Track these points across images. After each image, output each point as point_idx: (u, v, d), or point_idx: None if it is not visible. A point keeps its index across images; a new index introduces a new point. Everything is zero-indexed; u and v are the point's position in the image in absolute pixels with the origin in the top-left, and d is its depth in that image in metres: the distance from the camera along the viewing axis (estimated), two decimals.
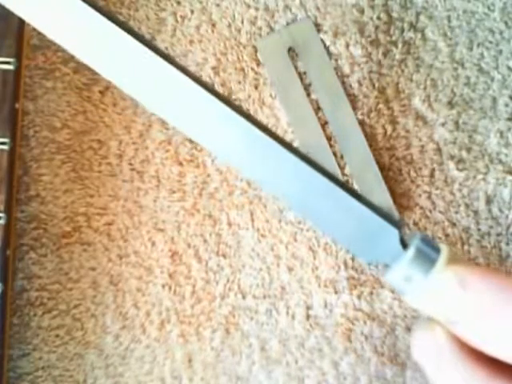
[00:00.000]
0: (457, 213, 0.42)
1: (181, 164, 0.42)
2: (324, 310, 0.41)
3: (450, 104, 0.43)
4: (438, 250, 0.29)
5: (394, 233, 0.30)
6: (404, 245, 0.30)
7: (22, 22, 0.39)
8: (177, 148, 0.42)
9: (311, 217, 0.31)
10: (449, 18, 0.43)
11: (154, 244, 0.42)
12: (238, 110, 0.30)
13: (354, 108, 0.42)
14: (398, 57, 0.43)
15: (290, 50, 0.43)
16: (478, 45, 0.43)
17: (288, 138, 0.42)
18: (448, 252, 0.29)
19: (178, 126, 0.30)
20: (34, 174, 0.42)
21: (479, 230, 0.42)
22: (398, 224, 0.30)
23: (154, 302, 0.42)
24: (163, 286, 0.42)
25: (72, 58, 0.42)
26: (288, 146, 0.30)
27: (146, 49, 0.29)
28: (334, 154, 0.42)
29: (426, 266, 0.29)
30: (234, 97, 0.43)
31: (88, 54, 0.29)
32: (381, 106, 0.43)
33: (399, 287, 0.30)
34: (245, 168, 0.31)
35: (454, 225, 0.42)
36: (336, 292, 0.41)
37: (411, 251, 0.29)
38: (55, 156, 0.42)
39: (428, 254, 0.29)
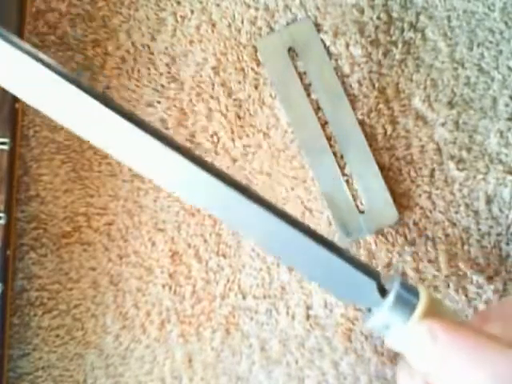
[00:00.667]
0: (457, 213, 0.42)
1: None
2: (324, 310, 0.41)
3: (450, 104, 0.43)
4: (416, 295, 0.30)
5: (371, 284, 0.31)
6: (383, 292, 0.31)
7: (21, 23, 0.40)
8: None
9: (294, 267, 0.32)
10: (449, 18, 0.43)
11: (154, 244, 0.42)
12: (208, 166, 0.31)
13: (354, 108, 0.42)
14: (398, 57, 0.43)
15: (290, 49, 0.43)
16: (478, 45, 0.43)
17: (288, 138, 0.42)
18: (425, 300, 0.30)
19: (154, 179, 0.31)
20: (34, 174, 0.42)
21: (479, 229, 0.42)
22: (375, 274, 0.31)
23: (154, 301, 0.42)
24: (163, 286, 0.42)
25: (72, 58, 0.43)
26: (266, 204, 0.31)
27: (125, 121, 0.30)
28: (334, 154, 0.42)
29: (403, 315, 0.30)
30: (234, 97, 0.43)
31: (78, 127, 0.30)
32: (381, 105, 0.43)
33: (379, 332, 0.31)
34: (229, 225, 0.32)
35: (454, 225, 0.42)
36: None
37: (389, 301, 0.30)
38: (55, 156, 0.42)
39: (406, 302, 0.30)
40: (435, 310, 0.30)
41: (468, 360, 0.28)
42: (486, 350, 0.28)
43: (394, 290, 0.30)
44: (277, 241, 0.31)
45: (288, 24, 0.43)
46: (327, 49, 0.43)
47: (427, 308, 0.30)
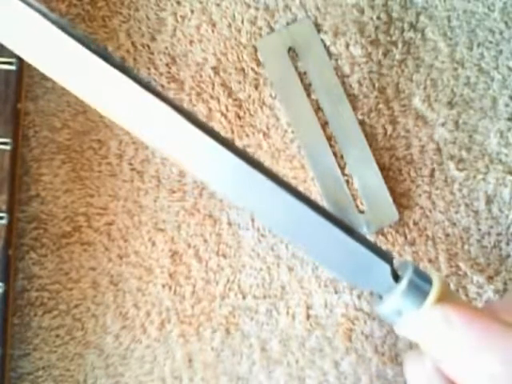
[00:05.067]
0: (457, 213, 0.42)
1: None
2: (324, 310, 0.41)
3: (450, 104, 0.43)
4: (429, 282, 0.30)
5: (385, 267, 0.31)
6: (396, 277, 0.31)
7: None
8: None
9: (304, 248, 0.32)
10: (449, 18, 0.43)
11: (154, 244, 0.42)
12: (229, 145, 0.30)
13: (354, 108, 0.42)
14: (398, 57, 0.43)
15: (290, 49, 0.43)
16: (478, 45, 0.43)
17: (288, 137, 0.42)
18: (439, 286, 0.30)
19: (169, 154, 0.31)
20: (34, 174, 0.42)
21: (479, 229, 0.42)
22: (388, 257, 0.31)
23: (154, 301, 0.42)
24: (163, 286, 0.42)
25: None
26: (280, 181, 0.30)
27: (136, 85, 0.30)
28: (334, 154, 0.42)
29: (417, 301, 0.30)
30: (234, 97, 0.43)
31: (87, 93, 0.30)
32: (381, 105, 0.43)
33: (390, 319, 0.30)
34: (240, 203, 0.31)
35: (454, 225, 0.42)
36: (336, 292, 0.41)
37: (403, 285, 0.30)
38: (55, 156, 0.42)
39: (419, 288, 0.30)
40: (449, 296, 0.30)
41: (482, 345, 0.28)
42: (500, 336, 0.28)
43: (407, 274, 0.30)
44: (290, 219, 0.30)
45: (288, 24, 0.43)
46: (327, 49, 0.43)
47: (441, 293, 0.29)
